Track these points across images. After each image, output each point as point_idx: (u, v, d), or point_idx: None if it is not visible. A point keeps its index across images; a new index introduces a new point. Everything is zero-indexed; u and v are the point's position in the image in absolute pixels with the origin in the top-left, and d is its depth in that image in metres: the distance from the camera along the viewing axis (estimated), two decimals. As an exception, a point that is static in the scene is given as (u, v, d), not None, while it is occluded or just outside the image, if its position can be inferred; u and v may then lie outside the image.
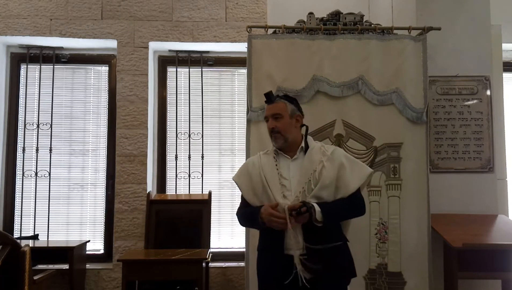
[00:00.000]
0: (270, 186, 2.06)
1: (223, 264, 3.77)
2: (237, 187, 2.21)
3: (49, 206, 3.92)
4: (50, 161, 3.96)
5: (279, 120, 2.09)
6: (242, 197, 2.20)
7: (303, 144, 2.13)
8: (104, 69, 4.11)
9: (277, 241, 1.98)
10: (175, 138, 4.04)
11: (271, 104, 2.13)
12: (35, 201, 3.92)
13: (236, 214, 2.22)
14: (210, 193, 3.73)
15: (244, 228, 2.88)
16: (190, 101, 4.08)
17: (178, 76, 4.12)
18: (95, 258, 3.86)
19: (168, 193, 4.01)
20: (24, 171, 3.95)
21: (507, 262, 2.68)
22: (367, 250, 2.85)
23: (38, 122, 4.00)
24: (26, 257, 2.42)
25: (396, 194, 2.89)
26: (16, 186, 3.95)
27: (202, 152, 4.04)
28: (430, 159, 3.03)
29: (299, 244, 1.96)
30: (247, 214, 2.13)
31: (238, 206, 2.24)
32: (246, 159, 2.90)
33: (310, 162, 2.08)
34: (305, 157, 2.10)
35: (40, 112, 4.01)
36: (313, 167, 2.06)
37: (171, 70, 4.13)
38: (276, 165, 2.11)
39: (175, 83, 4.10)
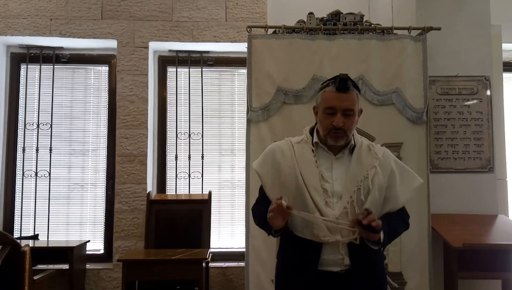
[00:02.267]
0: (309, 189, 1.68)
1: (223, 264, 3.77)
2: (245, 184, 1.95)
3: (49, 206, 3.92)
4: (50, 161, 3.96)
5: (349, 117, 1.66)
6: (261, 189, 1.83)
7: (353, 141, 1.73)
8: (104, 69, 4.11)
9: (312, 256, 1.66)
10: (175, 138, 4.04)
11: (344, 93, 1.65)
12: (35, 201, 3.91)
13: (252, 210, 1.88)
14: (210, 193, 3.73)
15: (244, 228, 2.88)
16: (190, 101, 4.07)
17: (178, 76, 4.12)
18: (95, 258, 3.86)
19: (168, 193, 4.01)
20: (24, 171, 3.95)
21: (507, 262, 2.67)
22: (367, 250, 2.85)
23: (38, 122, 4.00)
24: (26, 257, 2.42)
25: (396, 194, 2.89)
26: (16, 186, 3.95)
27: (202, 152, 4.04)
28: (430, 159, 3.03)
29: (342, 260, 1.65)
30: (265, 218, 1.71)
31: (256, 199, 1.87)
32: (246, 159, 2.90)
33: (359, 165, 1.70)
34: (353, 157, 1.72)
35: (40, 112, 4.01)
36: (363, 171, 1.69)
37: (171, 70, 4.13)
38: (316, 161, 1.72)
39: (175, 83, 4.10)
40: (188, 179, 4.01)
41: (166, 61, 4.12)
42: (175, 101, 4.08)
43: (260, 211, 1.74)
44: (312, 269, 1.65)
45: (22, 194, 3.92)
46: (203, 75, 4.10)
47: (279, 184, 1.74)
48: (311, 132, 1.81)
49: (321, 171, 1.69)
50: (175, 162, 4.02)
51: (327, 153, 1.73)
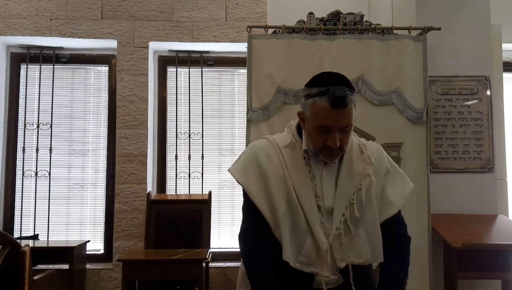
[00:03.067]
0: (304, 208, 1.41)
1: (223, 264, 3.77)
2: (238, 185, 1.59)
3: (49, 206, 3.91)
4: (50, 161, 3.96)
5: (347, 132, 1.38)
6: (246, 201, 1.49)
7: None
8: (104, 69, 4.11)
9: (304, 279, 1.44)
10: (175, 138, 4.04)
11: (342, 108, 1.33)
12: (35, 201, 3.91)
13: (239, 237, 1.51)
14: (210, 193, 3.73)
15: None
16: (190, 101, 4.07)
17: (178, 76, 4.12)
18: (95, 258, 3.86)
19: (168, 193, 4.01)
20: (24, 171, 3.95)
21: (507, 262, 2.68)
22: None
23: (38, 122, 4.00)
24: (26, 257, 2.42)
25: (396, 194, 2.89)
26: (16, 186, 3.95)
27: (202, 152, 4.04)
28: (430, 159, 3.03)
29: (339, 279, 1.44)
30: (256, 281, 1.43)
31: (242, 221, 1.51)
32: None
33: (351, 174, 1.44)
34: (343, 164, 1.45)
35: (40, 112, 4.01)
36: (356, 182, 1.44)
37: (171, 70, 4.13)
38: (310, 172, 1.44)
39: (175, 83, 4.10)
40: (188, 179, 4.01)
41: (166, 61, 4.12)
42: (175, 101, 4.08)
43: (259, 273, 1.43)
44: (306, 288, 1.45)
45: (22, 194, 3.92)
46: (203, 75, 4.10)
47: (266, 194, 1.45)
48: (298, 131, 1.52)
49: (315, 185, 1.42)
50: (175, 162, 4.02)
51: (317, 163, 1.46)
